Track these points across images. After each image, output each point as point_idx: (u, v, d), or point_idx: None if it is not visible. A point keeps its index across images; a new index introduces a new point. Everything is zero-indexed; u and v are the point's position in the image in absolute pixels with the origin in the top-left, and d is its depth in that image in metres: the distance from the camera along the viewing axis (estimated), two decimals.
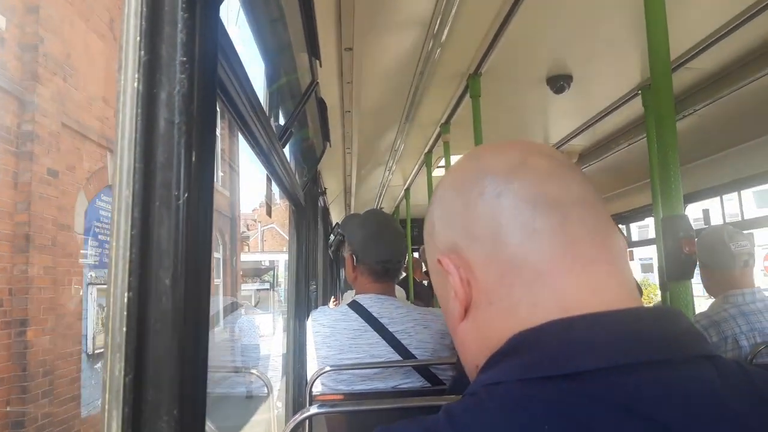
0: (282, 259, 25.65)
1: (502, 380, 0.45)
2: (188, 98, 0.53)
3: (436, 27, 2.05)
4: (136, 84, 0.50)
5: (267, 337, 12.32)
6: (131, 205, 0.49)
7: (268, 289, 25.20)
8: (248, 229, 30.31)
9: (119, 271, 0.48)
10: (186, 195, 0.51)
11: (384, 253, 1.65)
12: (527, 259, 0.48)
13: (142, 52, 0.50)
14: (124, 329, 0.47)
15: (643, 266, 16.85)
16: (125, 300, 0.47)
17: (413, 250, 5.73)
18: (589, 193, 0.51)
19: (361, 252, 1.66)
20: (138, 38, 0.50)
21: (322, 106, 1.90)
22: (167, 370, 0.48)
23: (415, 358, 1.54)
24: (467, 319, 0.52)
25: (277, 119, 1.71)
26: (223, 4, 0.68)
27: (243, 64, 0.85)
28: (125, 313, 0.47)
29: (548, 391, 0.41)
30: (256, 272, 24.85)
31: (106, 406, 0.46)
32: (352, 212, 6.34)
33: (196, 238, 0.53)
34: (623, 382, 0.41)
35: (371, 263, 1.65)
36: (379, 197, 6.17)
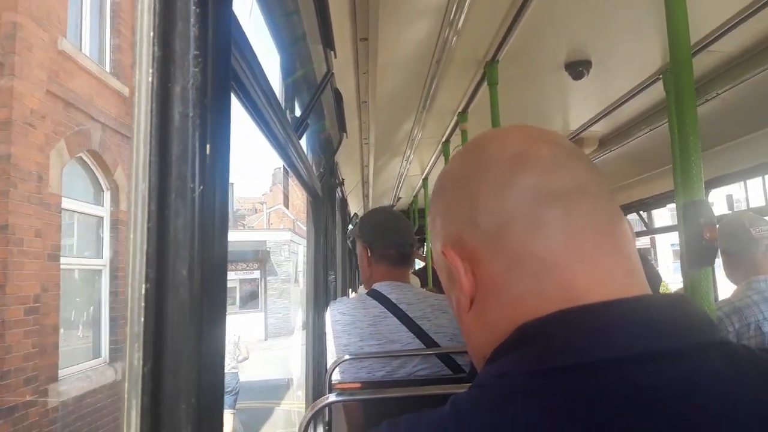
0: (282, 239, 20.74)
1: (508, 372, 0.44)
2: (202, 92, 0.54)
3: (452, 14, 2.03)
4: (150, 79, 0.51)
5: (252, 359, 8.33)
6: (147, 198, 0.50)
7: (256, 279, 20.38)
8: (256, 212, 29.22)
9: (137, 263, 0.49)
10: (201, 187, 0.52)
11: (397, 237, 1.71)
12: (533, 250, 0.48)
13: (156, 48, 0.51)
14: (142, 320, 0.48)
15: None
16: (143, 291, 0.48)
17: None
18: (595, 181, 0.51)
19: (374, 240, 1.71)
20: (151, 34, 0.51)
21: (337, 96, 1.91)
22: (185, 360, 0.49)
23: (434, 341, 1.57)
24: (473, 310, 0.52)
25: (293, 111, 1.72)
26: None
27: (257, 57, 0.86)
28: (143, 304, 0.48)
29: (556, 382, 0.41)
30: (255, 255, 20.07)
31: (126, 395, 0.47)
32: (370, 203, 6.35)
33: (212, 229, 0.54)
34: (632, 373, 0.40)
35: (386, 248, 1.70)
36: (397, 187, 6.17)
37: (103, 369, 6.77)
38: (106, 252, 7.09)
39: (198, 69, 0.53)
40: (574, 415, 0.39)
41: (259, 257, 20.23)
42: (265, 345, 17.49)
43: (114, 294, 7.07)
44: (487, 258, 0.50)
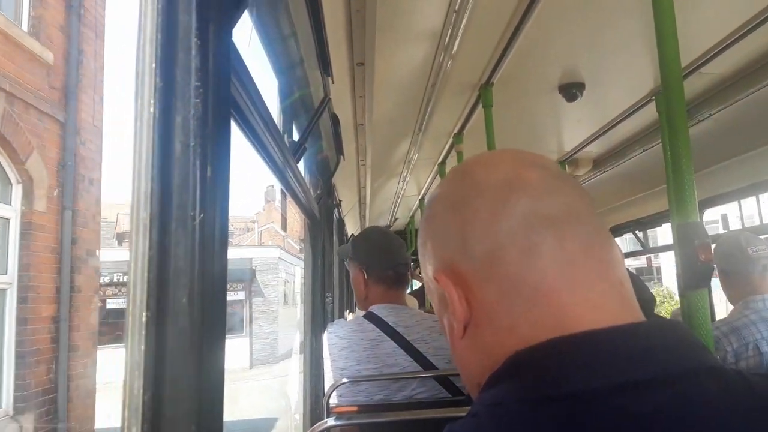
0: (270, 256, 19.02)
1: (503, 401, 0.45)
2: (203, 121, 0.55)
3: (447, 39, 2.06)
4: (151, 109, 0.52)
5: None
6: (149, 227, 0.51)
7: (241, 300, 18.62)
8: (248, 231, 28.38)
9: (138, 291, 0.49)
10: (202, 215, 0.53)
11: (393, 258, 1.70)
12: (525, 278, 0.48)
13: (157, 79, 0.52)
14: (143, 347, 0.48)
15: None
16: (143, 319, 0.48)
17: None
18: (584, 205, 0.52)
19: (370, 262, 1.71)
20: (153, 65, 0.52)
21: (335, 120, 1.93)
22: (185, 388, 0.49)
23: (432, 364, 1.56)
24: (466, 337, 0.52)
25: (290, 135, 1.74)
26: (235, 27, 0.70)
27: (256, 84, 0.87)
28: (143, 332, 0.48)
29: (548, 411, 0.41)
30: (240, 275, 18.30)
31: (125, 423, 0.47)
32: (367, 223, 6.36)
33: (212, 256, 0.54)
34: (626, 400, 0.40)
35: (383, 270, 1.69)
36: (394, 208, 6.18)
37: (3, 424, 4.87)
38: (13, 265, 5.17)
39: (199, 99, 0.55)
40: None
41: (244, 277, 18.49)
42: (250, 374, 15.83)
43: (23, 322, 5.11)
44: (480, 285, 0.50)
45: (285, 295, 20.58)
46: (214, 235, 0.55)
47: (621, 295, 0.49)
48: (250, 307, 18.90)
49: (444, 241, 0.54)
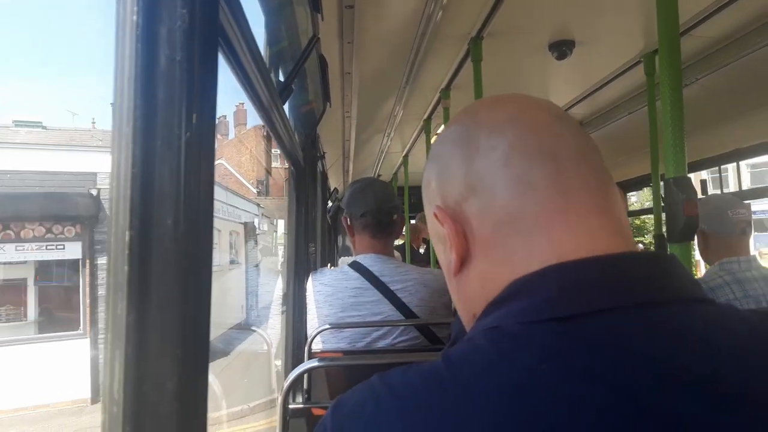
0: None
1: (500, 324, 0.45)
2: (189, 35, 0.51)
3: None
4: (135, 17, 0.49)
5: None
6: (132, 143, 0.48)
7: (74, 260, 8.22)
8: None
9: (120, 209, 0.47)
10: (188, 134, 0.50)
11: (369, 203, 1.66)
12: (522, 209, 0.48)
13: None
14: (126, 268, 0.46)
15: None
16: (127, 238, 0.46)
17: (411, 218, 5.74)
18: (585, 145, 0.52)
19: (350, 208, 1.69)
20: None
21: (323, 63, 1.87)
22: (170, 310, 0.47)
23: (415, 315, 1.56)
24: (464, 271, 0.53)
25: (276, 76, 1.68)
26: None
27: (243, 10, 0.83)
28: (127, 252, 0.46)
29: (545, 333, 0.42)
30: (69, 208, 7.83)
31: (109, 346, 0.46)
32: (350, 178, 6.33)
33: (197, 178, 0.52)
34: (619, 324, 0.41)
35: (361, 216, 1.66)
36: (378, 164, 6.15)
37: None
38: None
39: (186, 10, 0.51)
40: (560, 364, 0.39)
41: (80, 212, 8.92)
42: (88, 423, 7.63)
43: None
44: (478, 218, 0.51)
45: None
46: (200, 156, 0.53)
47: (617, 230, 0.49)
48: (94, 273, 9.15)
49: (445, 177, 0.54)
